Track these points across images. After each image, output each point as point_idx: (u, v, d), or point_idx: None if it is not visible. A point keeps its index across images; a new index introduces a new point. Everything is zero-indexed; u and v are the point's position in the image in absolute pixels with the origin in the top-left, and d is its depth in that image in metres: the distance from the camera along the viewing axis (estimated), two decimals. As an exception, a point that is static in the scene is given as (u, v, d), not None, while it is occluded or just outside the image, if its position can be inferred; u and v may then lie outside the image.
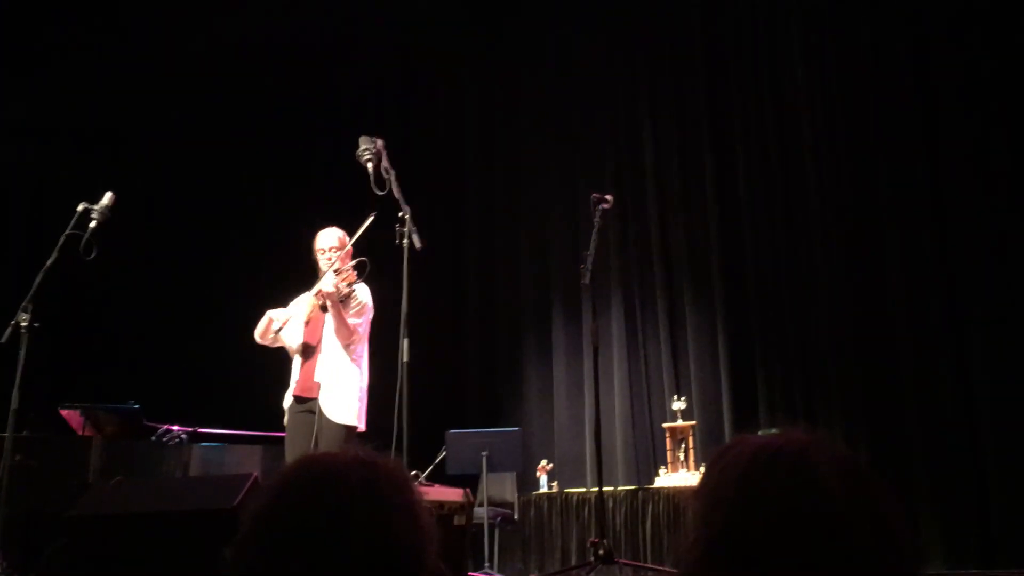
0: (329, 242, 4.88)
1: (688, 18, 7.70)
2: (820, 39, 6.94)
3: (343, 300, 4.70)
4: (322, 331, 4.77)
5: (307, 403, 4.71)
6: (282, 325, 4.78)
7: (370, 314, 4.88)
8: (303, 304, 4.89)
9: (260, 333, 4.83)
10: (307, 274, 4.97)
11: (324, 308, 4.79)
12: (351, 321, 4.72)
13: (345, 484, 1.16)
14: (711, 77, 7.49)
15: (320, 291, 4.75)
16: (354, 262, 4.75)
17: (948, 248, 6.16)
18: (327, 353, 4.72)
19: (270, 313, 4.83)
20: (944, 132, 6.31)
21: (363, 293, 4.83)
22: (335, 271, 4.71)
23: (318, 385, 4.65)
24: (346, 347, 4.73)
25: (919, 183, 6.32)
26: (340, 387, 4.67)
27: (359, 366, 4.80)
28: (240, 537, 1.16)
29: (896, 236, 6.37)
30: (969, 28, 6.28)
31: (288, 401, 4.81)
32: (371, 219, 4.69)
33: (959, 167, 6.21)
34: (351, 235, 4.85)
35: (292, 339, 4.86)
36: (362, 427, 4.75)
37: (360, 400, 4.75)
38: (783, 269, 6.88)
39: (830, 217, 6.69)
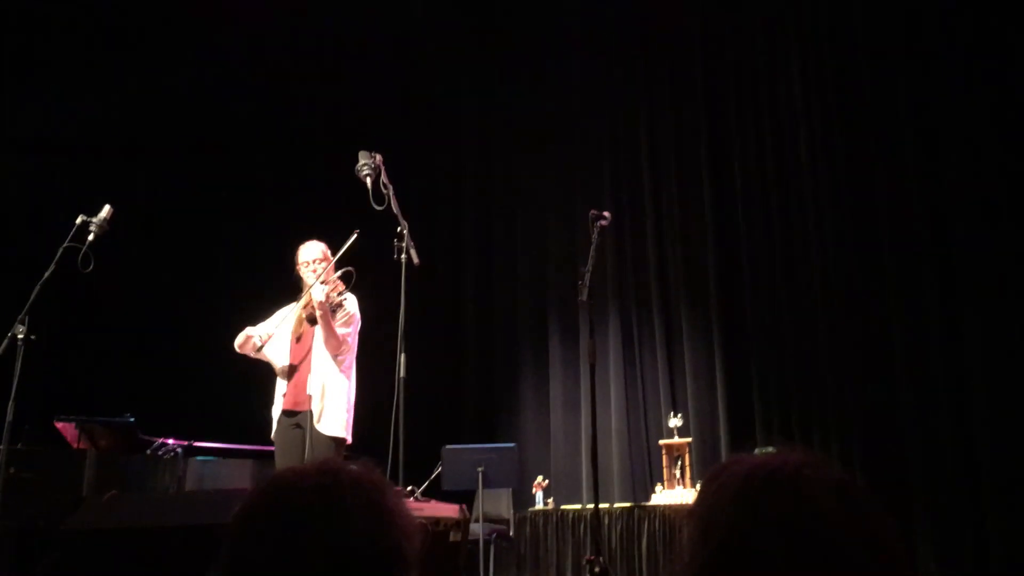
0: (313, 254, 4.87)
1: (687, 36, 7.74)
2: (818, 57, 6.97)
3: (333, 310, 4.69)
4: (312, 344, 4.76)
5: (296, 416, 4.69)
6: (263, 343, 4.76)
7: (358, 324, 4.87)
8: (289, 318, 4.86)
9: (239, 344, 4.83)
10: (295, 285, 4.97)
11: (312, 321, 4.77)
12: (340, 331, 4.72)
13: (299, 490, 1.17)
14: (709, 93, 7.53)
15: (308, 302, 4.74)
16: (340, 272, 4.74)
17: (946, 269, 6.16)
18: (317, 366, 4.70)
19: (248, 330, 4.81)
20: (942, 149, 6.32)
21: (351, 303, 4.82)
22: (322, 282, 4.70)
23: (309, 398, 4.63)
24: (335, 358, 4.72)
25: (917, 202, 6.33)
26: (331, 399, 4.67)
27: (348, 377, 4.79)
28: (218, 555, 1.17)
29: (894, 255, 6.37)
30: (966, 44, 6.30)
31: (276, 413, 4.79)
32: (354, 237, 4.69)
33: (958, 188, 6.21)
34: (334, 250, 4.85)
35: (279, 356, 4.83)
36: (349, 439, 4.74)
37: (348, 412, 4.75)
38: (780, 287, 6.89)
39: (827, 233, 6.70)
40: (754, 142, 7.24)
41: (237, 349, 4.85)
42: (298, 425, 4.66)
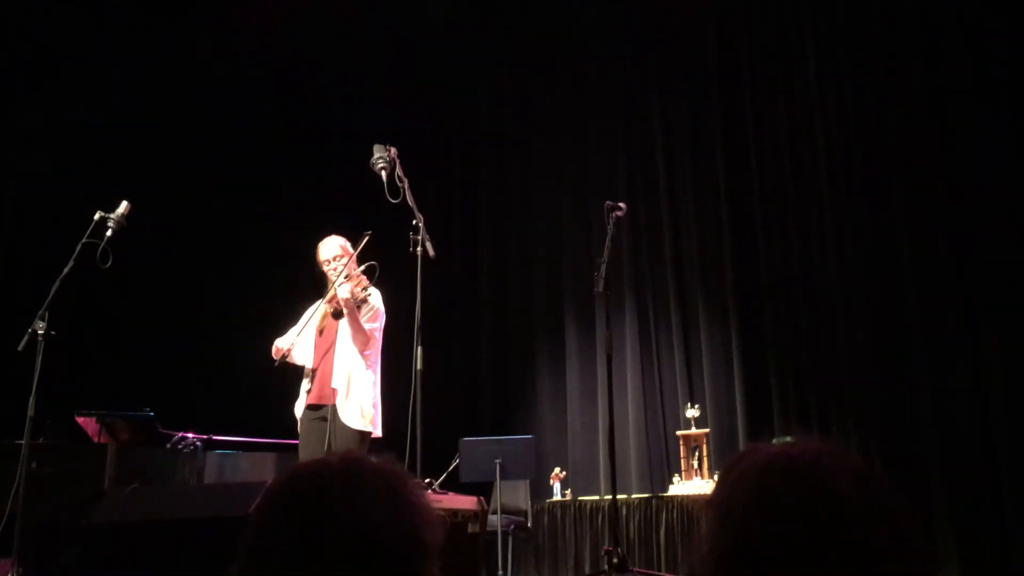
0: (332, 251, 4.87)
1: (703, 28, 7.69)
2: (834, 51, 6.92)
3: (358, 305, 4.69)
4: (336, 338, 4.76)
5: (321, 410, 4.69)
6: (289, 349, 4.77)
7: (383, 318, 4.88)
8: (314, 317, 4.88)
9: (274, 354, 4.83)
10: (320, 281, 4.98)
11: (336, 316, 4.78)
12: (367, 326, 4.72)
13: (321, 479, 1.18)
14: (725, 85, 7.48)
15: (334, 298, 4.74)
16: (364, 267, 4.74)
17: (964, 258, 6.12)
18: (342, 360, 4.70)
19: (277, 343, 4.82)
20: (958, 141, 6.28)
21: (375, 298, 4.83)
22: (347, 277, 4.70)
23: (335, 391, 4.63)
24: (362, 353, 4.73)
25: (933, 190, 6.29)
26: (356, 392, 4.66)
27: (374, 371, 4.79)
28: (240, 545, 1.18)
29: (910, 245, 6.33)
30: (984, 37, 6.25)
31: (300, 410, 4.80)
32: (367, 238, 4.70)
33: (974, 180, 6.16)
34: (352, 245, 4.86)
35: (303, 353, 4.84)
36: (378, 432, 4.74)
37: (375, 406, 4.74)
38: (797, 276, 6.86)
39: (844, 223, 6.66)
40: (769, 132, 7.20)
41: (276, 361, 4.85)
42: (323, 418, 4.66)
